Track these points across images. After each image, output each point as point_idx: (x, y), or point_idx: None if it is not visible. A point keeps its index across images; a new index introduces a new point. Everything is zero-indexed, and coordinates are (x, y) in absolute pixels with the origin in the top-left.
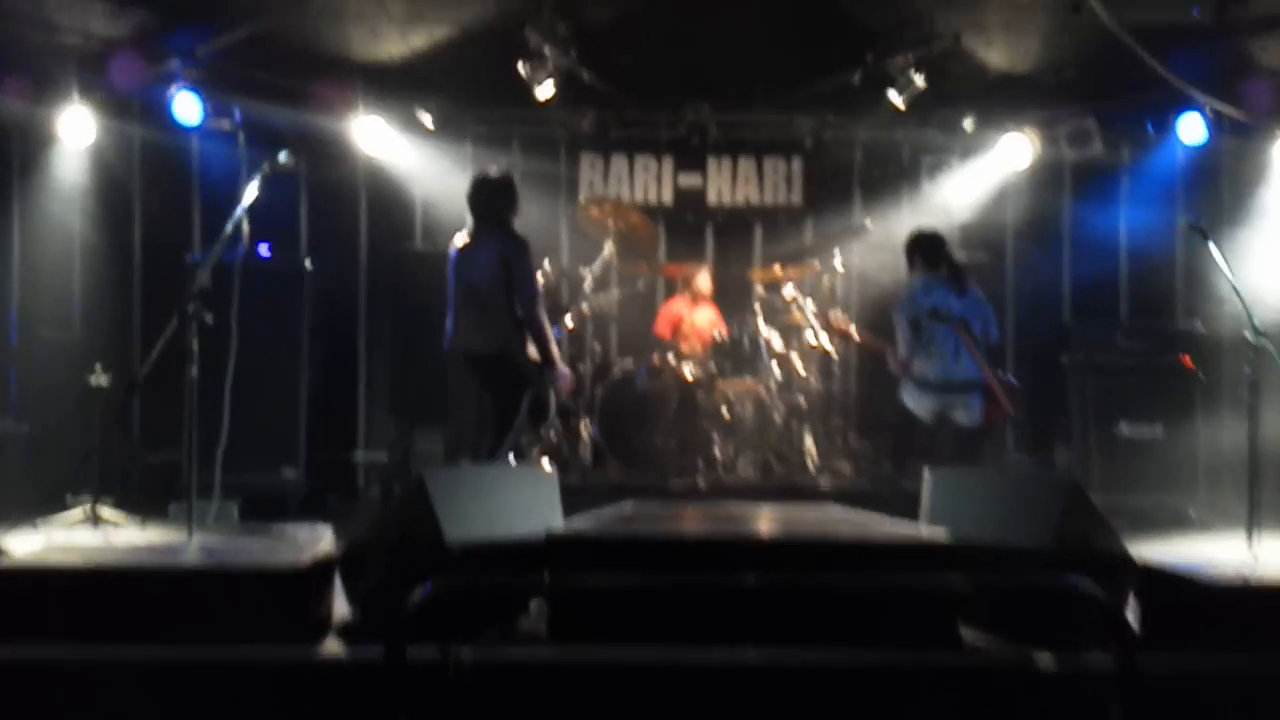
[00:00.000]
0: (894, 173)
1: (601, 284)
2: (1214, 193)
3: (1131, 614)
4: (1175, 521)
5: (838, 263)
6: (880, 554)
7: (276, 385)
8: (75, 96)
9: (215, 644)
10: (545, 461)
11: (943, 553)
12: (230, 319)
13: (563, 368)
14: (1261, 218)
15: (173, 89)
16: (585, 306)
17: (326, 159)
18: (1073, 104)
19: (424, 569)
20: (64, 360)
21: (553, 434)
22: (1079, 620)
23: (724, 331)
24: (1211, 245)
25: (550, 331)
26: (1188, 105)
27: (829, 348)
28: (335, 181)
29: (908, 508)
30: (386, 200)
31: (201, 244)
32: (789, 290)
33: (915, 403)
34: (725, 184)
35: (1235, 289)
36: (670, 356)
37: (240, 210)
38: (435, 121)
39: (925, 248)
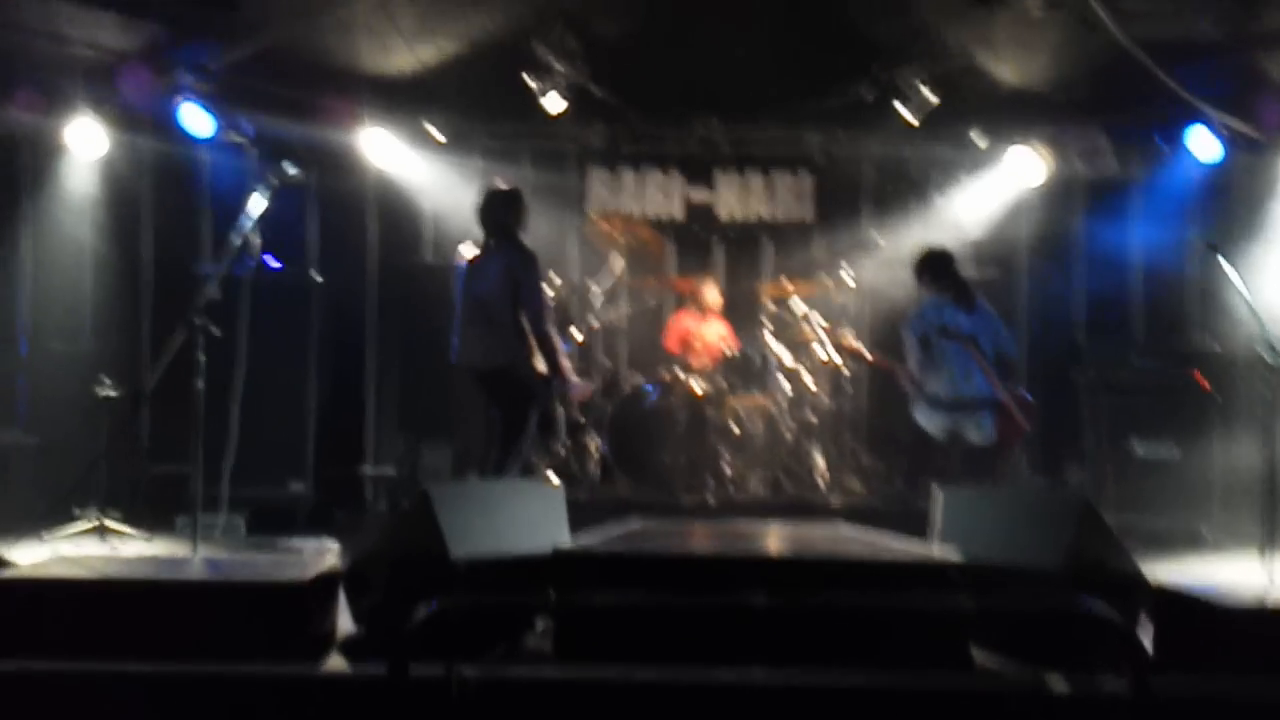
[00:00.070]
0: (904, 188)
1: (611, 299)
2: (1227, 209)
3: (1145, 635)
4: (1189, 542)
5: (847, 278)
6: (890, 573)
7: (284, 398)
8: (86, 109)
9: (218, 658)
10: (552, 476)
11: (954, 572)
12: (239, 331)
13: (575, 378)
14: (1275, 234)
15: (182, 102)
16: (594, 321)
17: (336, 172)
18: (1084, 120)
19: (429, 585)
20: (73, 372)
21: (561, 449)
22: (1092, 642)
23: (734, 345)
24: (1227, 265)
25: (560, 344)
26: (1200, 121)
27: (840, 362)
28: (345, 194)
29: (919, 526)
30: (396, 213)
31: (211, 256)
32: (798, 305)
33: (927, 421)
34: (735, 198)
35: (1252, 309)
36: (679, 372)
37: (247, 222)
38: (445, 135)
39: (933, 265)
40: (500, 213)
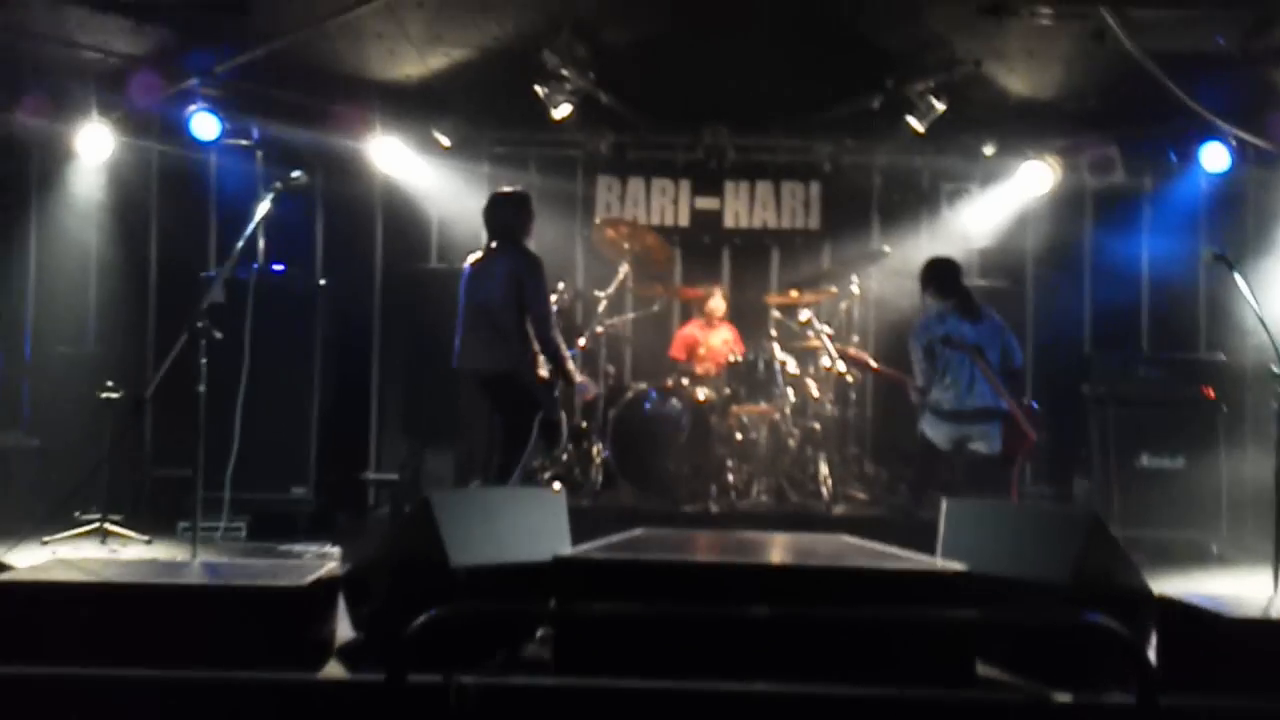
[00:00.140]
0: (913, 198)
1: (616, 306)
2: (1237, 222)
3: (1151, 650)
4: (1197, 556)
5: (854, 287)
6: (895, 586)
7: (288, 402)
8: (94, 113)
9: (215, 664)
10: (555, 484)
11: (959, 586)
12: (243, 335)
13: (581, 378)
14: None
15: (191, 106)
16: (599, 328)
17: (343, 177)
18: (1095, 131)
19: (428, 592)
20: (77, 375)
21: (564, 455)
22: (1099, 657)
23: (740, 351)
24: (1237, 276)
25: (564, 348)
26: (1211, 134)
27: (844, 371)
28: (351, 200)
29: (924, 537)
30: (402, 219)
31: (217, 261)
32: (805, 315)
33: (934, 431)
34: (742, 207)
35: (1262, 321)
36: (684, 379)
37: (251, 227)
38: (452, 141)
39: (938, 275)
40: (507, 216)
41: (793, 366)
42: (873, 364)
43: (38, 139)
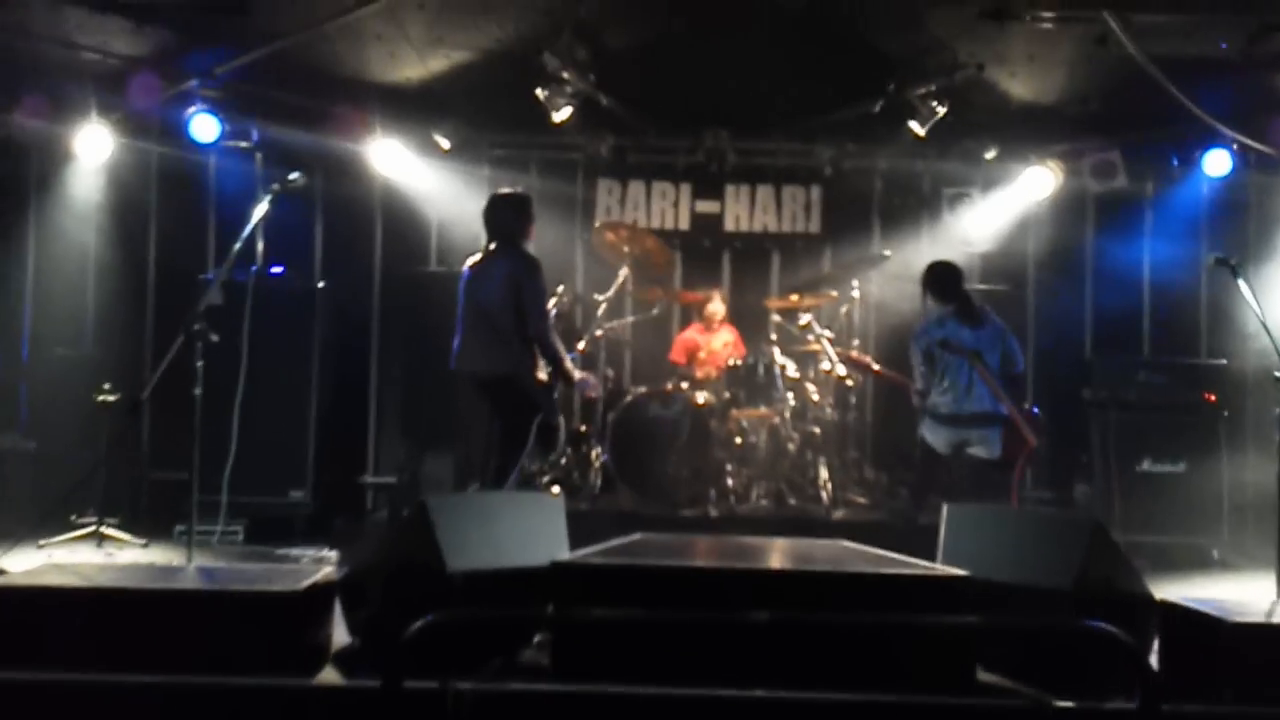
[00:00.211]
0: (914, 202)
1: (616, 309)
2: (1239, 227)
3: (1154, 656)
4: (1198, 561)
5: (855, 292)
6: (895, 592)
7: (286, 405)
8: (93, 114)
9: (209, 670)
10: (554, 488)
11: (960, 591)
12: (241, 338)
13: (581, 374)
14: None
15: (191, 108)
16: (599, 331)
17: (343, 179)
18: (1096, 136)
19: (425, 597)
20: (74, 377)
21: (562, 459)
22: (1101, 663)
23: (742, 353)
24: (1240, 281)
25: (562, 350)
26: (1213, 139)
27: (846, 375)
28: (351, 202)
29: (924, 542)
30: (402, 222)
31: (216, 263)
32: (805, 319)
33: (933, 436)
34: (743, 211)
35: (1265, 326)
36: (683, 383)
37: (249, 229)
38: (452, 144)
39: (939, 280)
40: (506, 218)
41: (793, 370)
42: (875, 367)
43: (36, 140)
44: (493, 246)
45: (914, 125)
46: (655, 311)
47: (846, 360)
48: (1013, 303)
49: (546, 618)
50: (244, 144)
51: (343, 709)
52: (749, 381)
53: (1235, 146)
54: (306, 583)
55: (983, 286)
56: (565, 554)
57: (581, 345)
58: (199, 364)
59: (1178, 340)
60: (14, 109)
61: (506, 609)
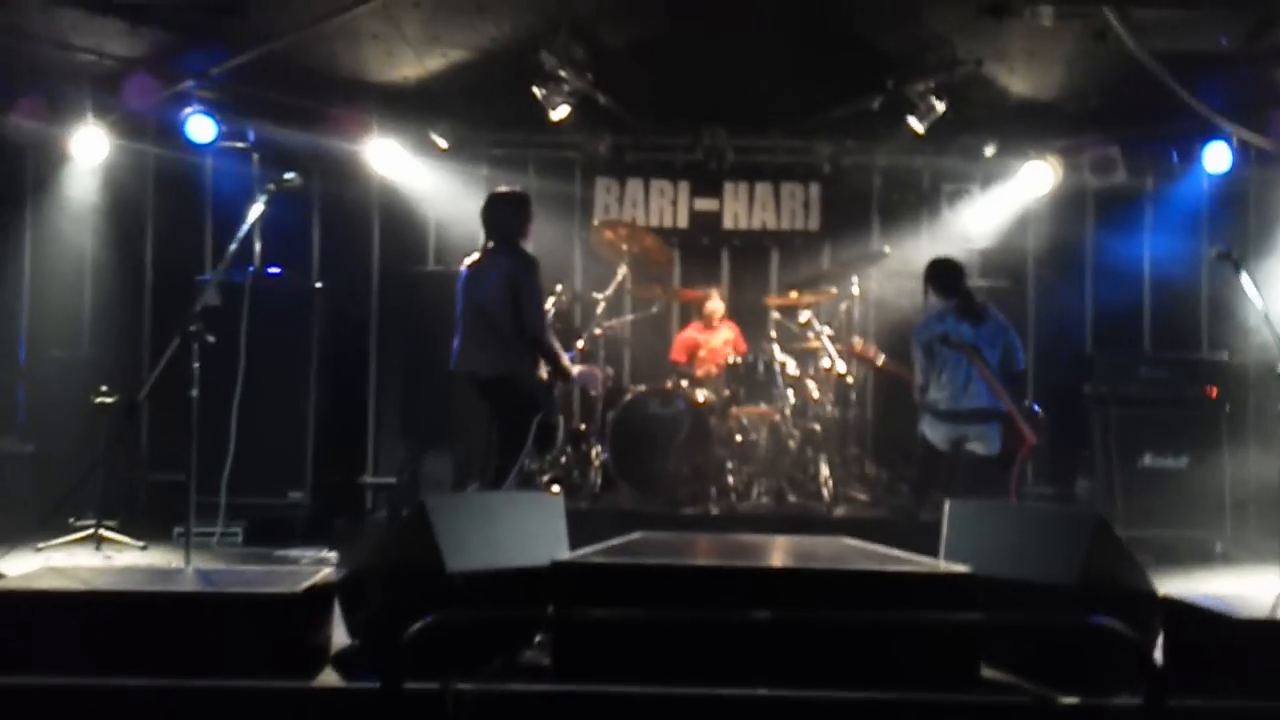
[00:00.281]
0: (913, 199)
1: (615, 308)
2: (1239, 222)
3: (1158, 652)
4: (1200, 556)
5: (855, 289)
6: (898, 589)
7: (284, 406)
8: (89, 116)
9: (208, 673)
10: (554, 487)
11: (963, 588)
12: (239, 338)
13: (580, 368)
14: None
15: (187, 109)
16: (598, 330)
17: (340, 179)
18: (1096, 131)
19: (425, 598)
20: (72, 380)
21: (563, 459)
22: (1105, 659)
23: (743, 350)
24: (1243, 275)
25: (559, 349)
26: (1213, 134)
27: (846, 371)
28: (348, 202)
29: (927, 539)
30: (400, 221)
31: (214, 264)
32: (805, 316)
33: (932, 432)
34: (742, 208)
35: (1267, 319)
36: (683, 381)
37: (245, 229)
38: (450, 144)
39: (940, 276)
40: (505, 217)
41: (793, 368)
42: (879, 360)
43: (32, 142)
44: (490, 246)
45: (913, 122)
46: (654, 310)
47: (851, 354)
48: (1013, 299)
49: (547, 618)
50: (241, 145)
51: (343, 711)
52: (749, 379)
53: (1235, 141)
54: (305, 584)
55: (982, 283)
56: (565, 553)
57: (581, 344)
58: (196, 365)
59: (1178, 335)
60: (10, 110)
61: (507, 609)
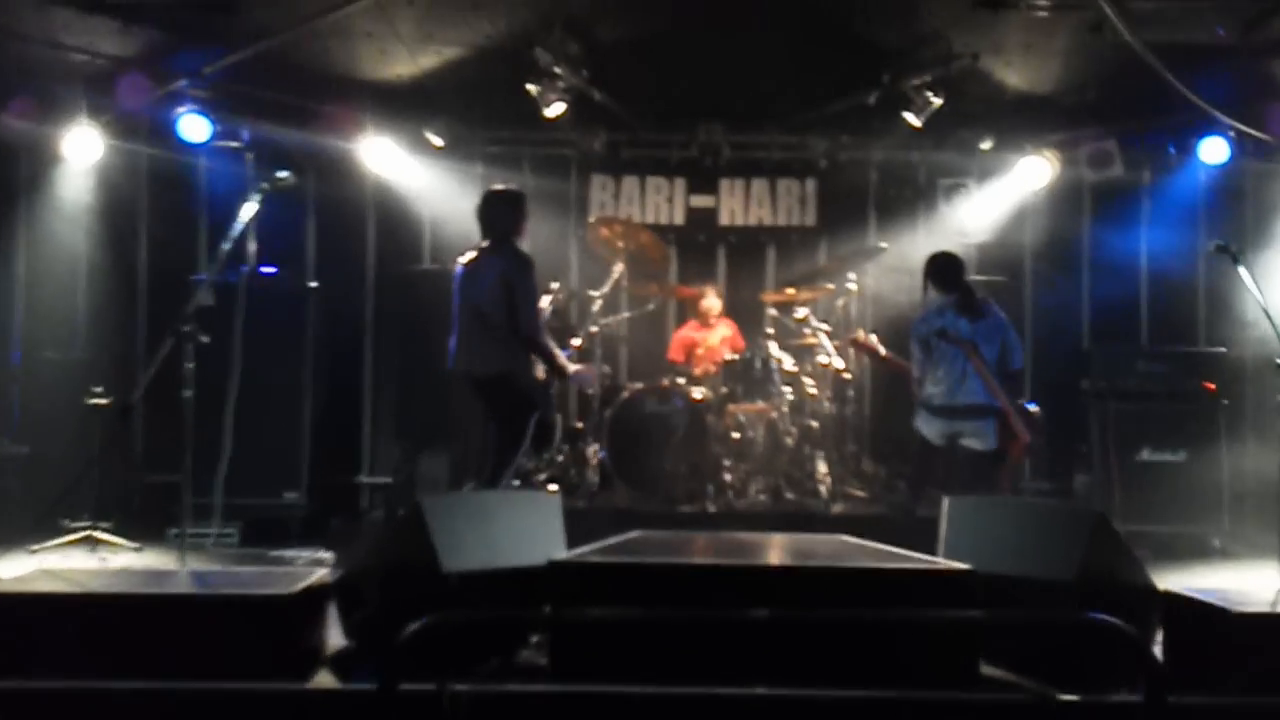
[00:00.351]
0: (910, 194)
1: (611, 305)
2: (1236, 215)
3: (1158, 647)
4: (1199, 551)
5: (852, 284)
6: (897, 587)
7: (280, 406)
8: (82, 116)
9: (202, 675)
10: (551, 485)
11: (962, 585)
12: (233, 338)
13: (576, 368)
14: None
15: (180, 108)
16: (594, 328)
17: (334, 178)
18: (1093, 125)
19: (421, 599)
20: (66, 381)
21: (560, 457)
22: (1105, 656)
23: (740, 347)
24: (1241, 268)
25: (554, 347)
26: (1210, 127)
27: (844, 368)
28: (343, 201)
29: (924, 535)
30: (394, 220)
31: (208, 264)
32: (802, 312)
33: (927, 427)
34: (738, 204)
35: (1267, 312)
36: (680, 379)
37: (239, 228)
38: (445, 142)
39: (940, 270)
40: (500, 215)
41: (790, 364)
42: (881, 351)
43: (25, 142)
44: (486, 244)
45: (909, 116)
46: (651, 307)
47: (854, 344)
48: (1010, 293)
49: (544, 618)
50: (235, 144)
51: (339, 712)
52: (746, 376)
53: (1232, 134)
54: (301, 585)
55: (979, 277)
56: (563, 552)
57: (577, 342)
58: (189, 366)
59: (1176, 329)
60: (2, 110)
61: (503, 609)
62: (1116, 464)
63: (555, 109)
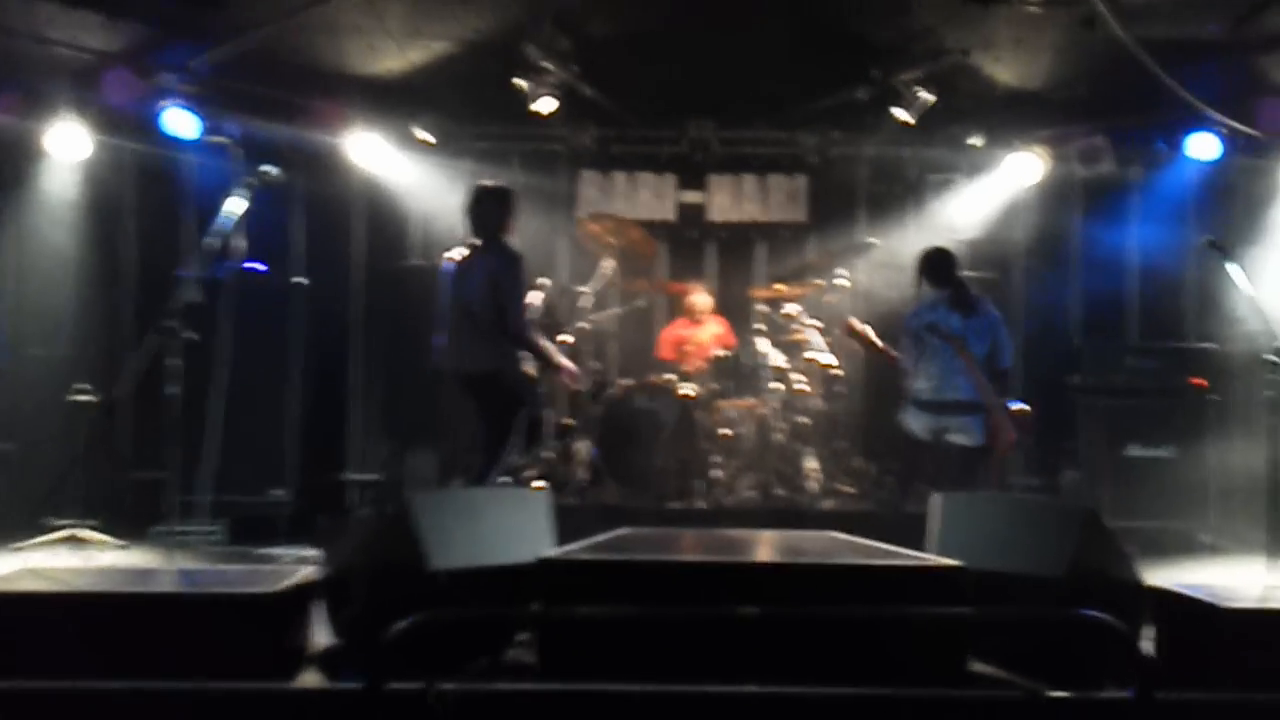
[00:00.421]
0: (899, 190)
1: (601, 301)
2: (1226, 211)
3: (1148, 643)
4: (1186, 546)
5: (842, 280)
6: (887, 583)
7: (267, 403)
8: (68, 111)
9: (186, 674)
10: (540, 482)
11: (952, 582)
12: (220, 336)
13: (565, 363)
14: (1273, 236)
15: (166, 103)
16: (584, 324)
17: (322, 174)
18: (1083, 121)
19: (409, 597)
20: (52, 378)
21: (549, 454)
22: (1095, 652)
23: (731, 343)
24: (1232, 264)
25: (542, 343)
26: (1200, 123)
27: (834, 364)
28: (331, 197)
29: (912, 531)
30: (382, 216)
31: (194, 260)
32: (792, 308)
33: (914, 422)
34: (728, 200)
35: (1256, 309)
36: (670, 375)
37: (224, 223)
38: (434, 137)
39: (933, 265)
40: (489, 212)
41: (780, 360)
42: (874, 338)
43: (9, 137)
44: (476, 241)
45: (900, 112)
46: (641, 303)
47: (848, 330)
48: (1000, 289)
49: (532, 616)
50: (222, 139)
51: (325, 711)
52: (735, 373)
53: (1222, 130)
54: (287, 583)
55: (970, 273)
56: (552, 550)
57: (570, 339)
58: (175, 362)
59: (1165, 325)
60: None
61: (492, 608)
62: (1105, 459)
63: (545, 104)
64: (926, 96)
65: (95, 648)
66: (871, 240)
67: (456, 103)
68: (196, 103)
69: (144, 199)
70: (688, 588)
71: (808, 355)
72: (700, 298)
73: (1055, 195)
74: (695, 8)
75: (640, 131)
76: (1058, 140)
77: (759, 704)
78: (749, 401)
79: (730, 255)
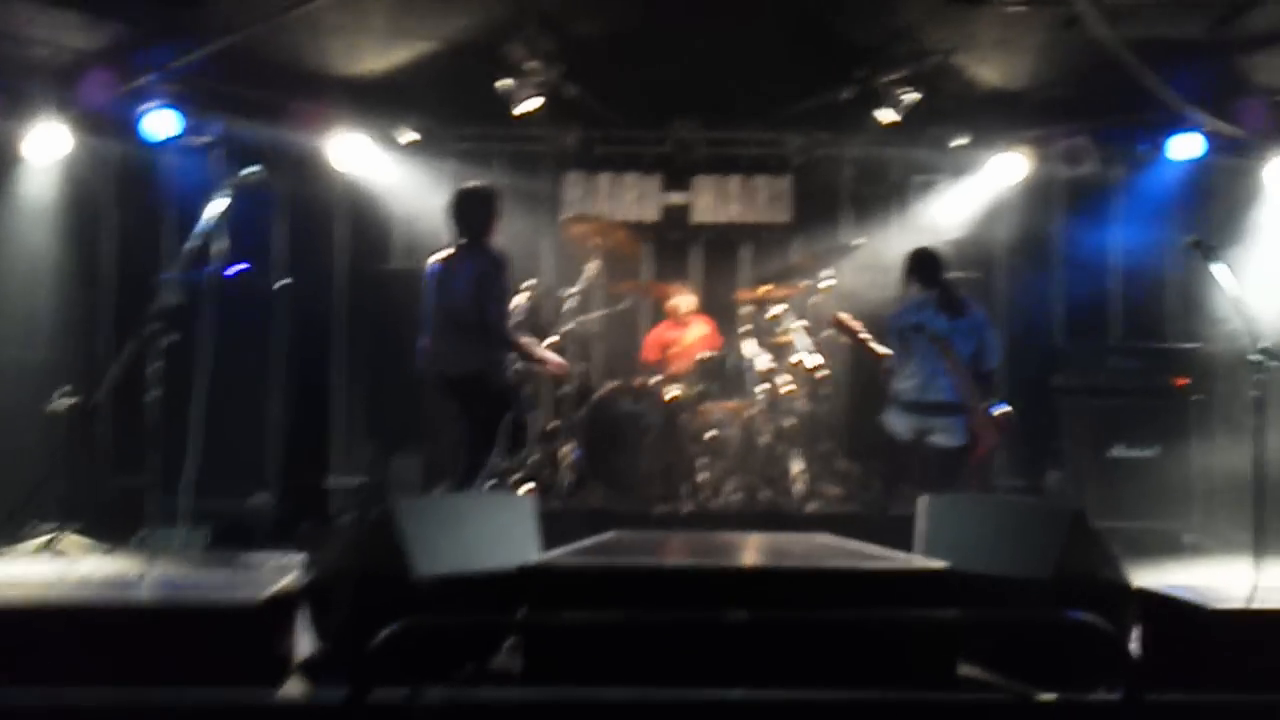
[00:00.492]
0: (884, 190)
1: (586, 303)
2: (1208, 211)
3: (1135, 644)
4: (1170, 547)
5: (828, 281)
6: (874, 586)
7: (249, 407)
8: (47, 112)
9: (169, 684)
10: (525, 486)
11: (940, 583)
12: (202, 338)
13: (548, 355)
14: (1255, 237)
15: (147, 104)
16: (569, 326)
17: (304, 175)
18: (1066, 121)
19: (393, 604)
20: (29, 382)
21: (534, 457)
22: (1083, 654)
23: (717, 345)
24: (1216, 263)
25: (523, 340)
26: (1182, 123)
27: (819, 365)
28: (313, 198)
29: (898, 533)
30: (365, 218)
31: (175, 262)
32: (777, 309)
33: (897, 422)
34: (712, 201)
35: (1239, 308)
36: (655, 377)
37: (205, 226)
38: (416, 138)
39: (921, 265)
40: (472, 213)
41: (765, 362)
42: (862, 332)
43: None
44: (460, 243)
45: (884, 113)
46: (625, 305)
47: (835, 323)
48: (983, 289)
49: (517, 623)
50: (203, 140)
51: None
52: (721, 375)
53: (1205, 130)
54: (268, 592)
55: (953, 274)
56: (537, 555)
57: (555, 339)
58: (156, 365)
59: (1148, 325)
60: None
61: (477, 614)
62: (1088, 460)
63: (528, 105)
64: (910, 97)
65: (78, 658)
66: (856, 241)
67: (439, 103)
68: (176, 103)
69: (124, 200)
70: (675, 592)
71: (794, 358)
72: (683, 299)
73: (1038, 196)
74: (680, 9)
75: (624, 132)
76: (1041, 141)
77: (747, 709)
78: (735, 404)
79: (715, 256)
